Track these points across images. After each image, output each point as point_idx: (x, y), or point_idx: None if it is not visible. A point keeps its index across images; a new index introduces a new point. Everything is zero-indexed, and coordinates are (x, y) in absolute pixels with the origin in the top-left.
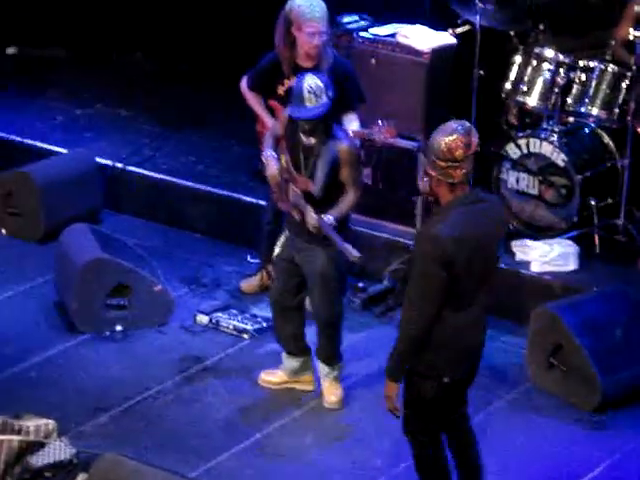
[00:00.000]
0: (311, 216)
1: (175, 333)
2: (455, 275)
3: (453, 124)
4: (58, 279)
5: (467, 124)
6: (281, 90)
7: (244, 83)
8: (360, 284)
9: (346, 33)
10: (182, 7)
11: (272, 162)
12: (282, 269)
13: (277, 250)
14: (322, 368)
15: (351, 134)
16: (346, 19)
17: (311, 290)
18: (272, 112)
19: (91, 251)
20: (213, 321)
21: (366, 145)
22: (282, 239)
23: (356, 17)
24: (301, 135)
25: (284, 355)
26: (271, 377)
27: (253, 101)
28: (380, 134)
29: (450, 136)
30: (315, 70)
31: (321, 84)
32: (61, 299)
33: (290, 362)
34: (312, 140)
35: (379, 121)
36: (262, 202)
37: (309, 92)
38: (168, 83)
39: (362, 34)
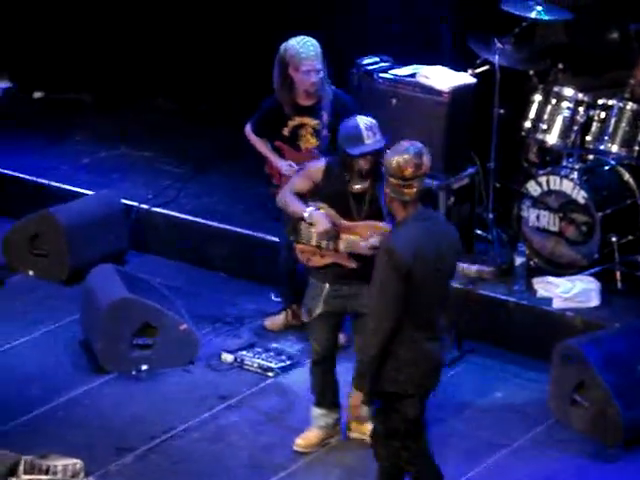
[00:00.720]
0: None
1: (200, 372)
2: (414, 288)
3: (406, 144)
4: (84, 319)
5: (419, 145)
6: (286, 131)
7: (248, 128)
8: None
9: (367, 74)
10: (201, 49)
11: (320, 217)
12: (329, 325)
13: (319, 309)
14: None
15: None
16: (367, 60)
17: (362, 328)
18: (279, 153)
19: (117, 291)
20: (238, 359)
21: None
22: (322, 295)
23: (376, 59)
24: (350, 182)
25: (319, 413)
26: (308, 439)
27: (259, 145)
28: None
29: (401, 155)
30: (316, 108)
31: (374, 121)
32: (87, 339)
33: (326, 419)
34: (362, 185)
35: None
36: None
37: (367, 129)
38: (190, 125)
39: (383, 75)
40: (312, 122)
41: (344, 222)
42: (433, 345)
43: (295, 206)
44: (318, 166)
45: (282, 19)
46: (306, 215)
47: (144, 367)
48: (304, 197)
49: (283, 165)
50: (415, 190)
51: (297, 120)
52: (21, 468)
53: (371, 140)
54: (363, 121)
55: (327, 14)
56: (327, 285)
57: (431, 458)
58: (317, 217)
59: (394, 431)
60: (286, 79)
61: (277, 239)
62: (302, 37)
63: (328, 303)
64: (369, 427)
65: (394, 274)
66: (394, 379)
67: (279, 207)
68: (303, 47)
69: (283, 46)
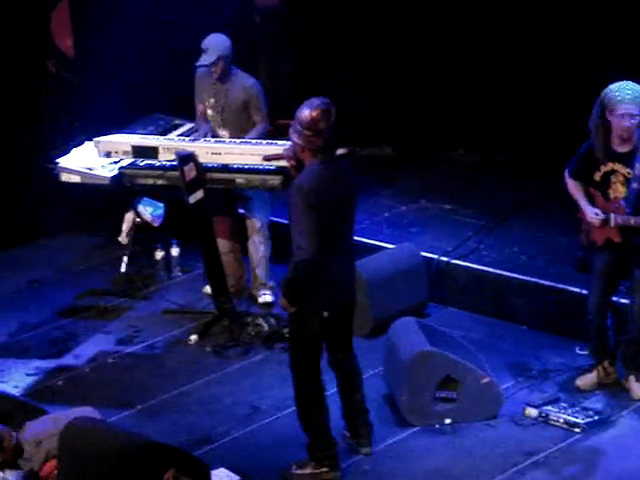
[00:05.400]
0: None
1: (504, 426)
2: (324, 219)
3: (316, 100)
4: (387, 372)
5: (327, 100)
6: (597, 176)
7: (566, 172)
8: None
9: None
10: (501, 100)
11: None
12: None
13: None
14: None
15: None
16: None
17: None
18: (592, 199)
19: (419, 344)
20: (543, 414)
21: None
22: None
23: None
24: None
25: None
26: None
27: (573, 189)
28: None
29: (315, 110)
30: (630, 156)
31: None
32: (391, 392)
33: None
34: None
35: None
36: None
37: None
38: (489, 175)
39: None
40: (624, 170)
41: None
42: (343, 270)
43: None
44: None
45: (587, 69)
46: None
47: (447, 421)
48: None
49: (589, 212)
50: (324, 139)
51: (609, 166)
52: None
53: None
54: None
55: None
56: None
57: (320, 384)
58: None
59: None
60: (602, 123)
61: (585, 292)
62: (625, 82)
63: None
64: None
65: (306, 207)
66: (306, 296)
67: None
68: (621, 90)
69: (604, 90)
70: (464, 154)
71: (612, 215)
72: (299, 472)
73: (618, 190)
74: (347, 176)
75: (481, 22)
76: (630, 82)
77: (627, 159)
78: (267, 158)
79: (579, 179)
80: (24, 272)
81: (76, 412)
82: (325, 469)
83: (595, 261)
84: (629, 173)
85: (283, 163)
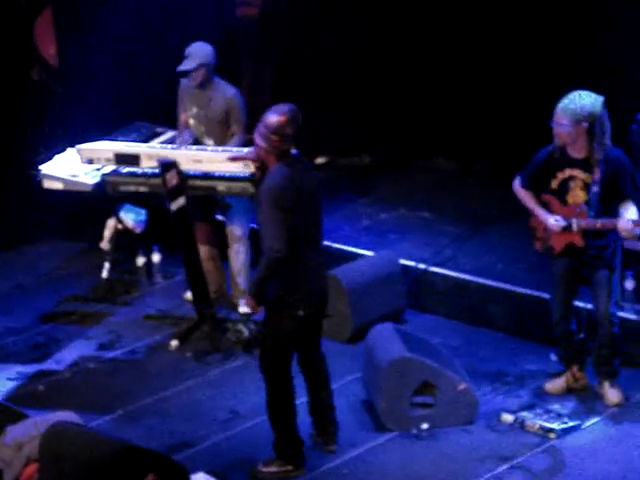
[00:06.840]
0: None
1: (480, 432)
2: (296, 218)
3: (284, 106)
4: (366, 378)
5: (294, 107)
6: (554, 184)
7: (516, 182)
8: None
9: None
10: (480, 108)
11: None
12: None
13: None
14: None
15: (632, 224)
16: None
17: None
18: (546, 206)
19: (397, 350)
20: (518, 420)
21: None
22: None
23: None
24: None
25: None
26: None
27: (526, 198)
28: None
29: (284, 116)
30: (588, 162)
31: None
32: (369, 397)
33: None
34: None
35: None
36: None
37: None
38: (468, 184)
39: None
40: (583, 175)
41: None
42: (317, 268)
43: None
44: None
45: (564, 77)
46: None
47: (424, 426)
48: None
49: (549, 219)
50: (289, 143)
51: (567, 172)
52: None
53: None
54: None
55: (609, 72)
56: None
57: (291, 386)
58: None
59: (268, 334)
60: None
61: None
62: (578, 91)
63: None
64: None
65: (276, 207)
66: (280, 295)
67: None
68: (565, 99)
69: None
70: (443, 162)
71: (574, 220)
72: (265, 470)
73: (577, 195)
74: (311, 176)
75: (460, 32)
76: (582, 92)
77: (584, 165)
78: (232, 158)
79: (532, 188)
80: (7, 278)
81: (57, 416)
82: (290, 467)
83: (554, 267)
84: (588, 177)
85: (248, 166)
